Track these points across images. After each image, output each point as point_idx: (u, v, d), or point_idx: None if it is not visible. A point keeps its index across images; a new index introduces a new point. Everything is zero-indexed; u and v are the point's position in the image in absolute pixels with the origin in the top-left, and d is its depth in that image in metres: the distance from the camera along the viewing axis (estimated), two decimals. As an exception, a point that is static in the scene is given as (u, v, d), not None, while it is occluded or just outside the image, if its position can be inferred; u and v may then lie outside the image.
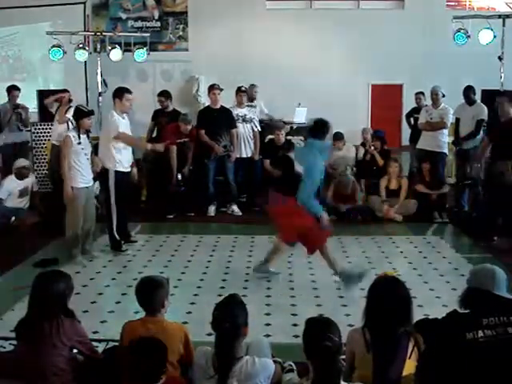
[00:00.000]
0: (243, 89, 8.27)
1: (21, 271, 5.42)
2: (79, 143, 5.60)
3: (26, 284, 4.92)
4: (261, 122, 8.76)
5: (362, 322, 2.82)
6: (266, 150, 8.26)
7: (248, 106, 8.89)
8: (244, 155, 8.12)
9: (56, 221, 6.12)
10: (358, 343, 2.78)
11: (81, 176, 5.63)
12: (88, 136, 5.77)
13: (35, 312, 3.04)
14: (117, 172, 5.95)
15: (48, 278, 3.15)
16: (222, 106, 7.87)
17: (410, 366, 2.70)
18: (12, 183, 7.34)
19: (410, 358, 2.71)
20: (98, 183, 7.31)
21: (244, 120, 8.10)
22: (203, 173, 7.88)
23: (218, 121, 7.76)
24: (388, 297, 2.75)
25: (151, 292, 3.08)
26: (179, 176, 7.76)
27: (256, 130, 8.26)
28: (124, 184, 6.07)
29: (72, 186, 5.59)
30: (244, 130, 8.10)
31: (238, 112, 8.06)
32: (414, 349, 2.71)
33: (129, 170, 6.24)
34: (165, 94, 8.39)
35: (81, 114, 5.68)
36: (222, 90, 7.85)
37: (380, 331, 2.72)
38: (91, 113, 5.78)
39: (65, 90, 8.45)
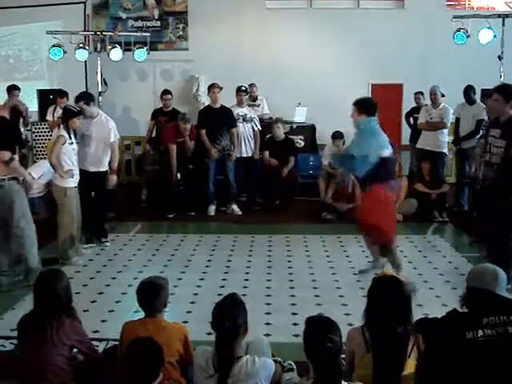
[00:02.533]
0: (243, 88, 8.27)
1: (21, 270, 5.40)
2: (71, 143, 5.61)
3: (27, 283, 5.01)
4: (261, 121, 8.79)
5: (363, 321, 2.83)
6: (266, 146, 8.30)
7: (251, 105, 8.91)
8: (244, 154, 8.14)
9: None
10: (357, 342, 2.79)
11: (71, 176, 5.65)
12: (76, 136, 5.78)
13: (37, 310, 3.04)
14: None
15: (50, 276, 3.16)
16: (222, 105, 7.87)
17: (409, 365, 2.71)
18: None
19: (409, 356, 2.71)
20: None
21: (244, 119, 8.11)
22: (203, 172, 7.88)
23: (219, 120, 7.76)
24: (388, 296, 2.76)
25: (153, 296, 3.08)
26: (179, 175, 7.76)
27: (256, 129, 8.27)
28: (89, 184, 6.01)
29: (64, 186, 5.61)
30: (244, 130, 8.10)
31: (238, 111, 8.07)
32: (413, 348, 2.72)
33: (96, 170, 6.13)
34: (171, 93, 8.43)
35: (70, 114, 5.65)
36: (221, 88, 7.85)
37: (380, 330, 2.73)
38: (80, 113, 5.75)
39: (61, 91, 8.46)
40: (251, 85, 9.39)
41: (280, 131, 8.13)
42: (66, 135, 5.57)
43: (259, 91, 9.71)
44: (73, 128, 5.66)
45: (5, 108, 5.14)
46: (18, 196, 4.98)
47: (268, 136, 8.48)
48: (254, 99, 9.41)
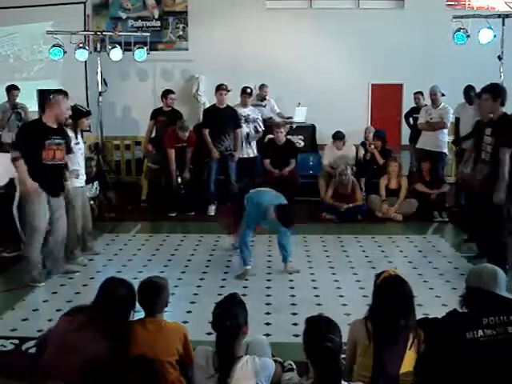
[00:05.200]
0: (248, 91, 8.24)
1: (20, 270, 5.40)
2: (77, 143, 5.61)
3: (24, 283, 5.01)
4: (266, 120, 8.78)
5: (366, 314, 2.83)
6: (266, 150, 8.26)
7: (257, 105, 8.92)
8: (245, 155, 8.13)
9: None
10: (360, 332, 2.78)
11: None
12: (82, 136, 5.78)
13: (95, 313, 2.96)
14: None
15: (119, 290, 3.08)
16: (227, 105, 7.86)
17: (409, 359, 2.71)
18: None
19: (410, 349, 2.71)
20: (96, 183, 7.32)
21: (247, 120, 8.10)
22: (205, 172, 7.88)
23: (224, 120, 7.77)
24: (393, 295, 2.75)
25: (155, 297, 3.08)
26: (179, 179, 7.73)
27: (260, 130, 8.28)
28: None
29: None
30: (246, 130, 8.10)
31: (241, 112, 8.06)
32: (414, 341, 2.72)
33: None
34: (174, 93, 8.42)
35: (79, 113, 5.67)
36: (229, 91, 7.84)
37: (382, 322, 2.73)
38: (89, 113, 5.82)
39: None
40: (262, 85, 9.45)
41: (282, 136, 8.12)
42: (73, 135, 5.57)
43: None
44: (81, 128, 5.70)
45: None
46: (32, 197, 4.96)
47: (268, 138, 8.45)
48: (262, 99, 9.42)
